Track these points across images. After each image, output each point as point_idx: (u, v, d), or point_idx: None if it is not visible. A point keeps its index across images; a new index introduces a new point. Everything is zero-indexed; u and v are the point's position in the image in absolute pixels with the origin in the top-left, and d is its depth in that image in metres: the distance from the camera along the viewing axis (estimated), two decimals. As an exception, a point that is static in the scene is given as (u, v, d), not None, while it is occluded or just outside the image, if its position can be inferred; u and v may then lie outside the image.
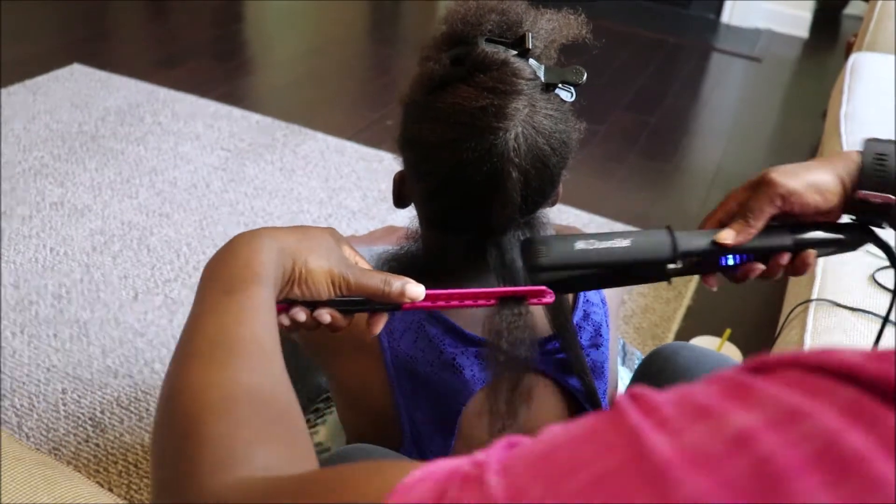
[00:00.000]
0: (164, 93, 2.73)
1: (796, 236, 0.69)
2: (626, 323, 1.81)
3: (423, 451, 0.75)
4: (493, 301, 0.67)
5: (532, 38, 0.66)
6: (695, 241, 0.68)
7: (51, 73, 2.77)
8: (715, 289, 0.71)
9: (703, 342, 1.64)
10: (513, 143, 0.65)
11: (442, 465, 0.35)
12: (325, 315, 0.62)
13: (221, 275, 0.55)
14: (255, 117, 2.63)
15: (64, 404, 1.49)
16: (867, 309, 1.21)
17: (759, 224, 0.67)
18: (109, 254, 1.90)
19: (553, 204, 0.75)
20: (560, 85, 0.68)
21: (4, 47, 2.92)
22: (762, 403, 0.29)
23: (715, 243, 0.67)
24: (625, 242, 0.66)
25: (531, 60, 0.67)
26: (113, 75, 2.81)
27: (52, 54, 2.92)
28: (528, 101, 0.66)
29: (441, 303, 0.65)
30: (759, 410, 0.28)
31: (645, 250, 0.66)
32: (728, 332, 1.62)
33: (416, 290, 0.63)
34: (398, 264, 0.79)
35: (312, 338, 0.79)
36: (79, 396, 1.50)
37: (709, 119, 3.20)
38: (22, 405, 1.48)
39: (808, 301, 1.28)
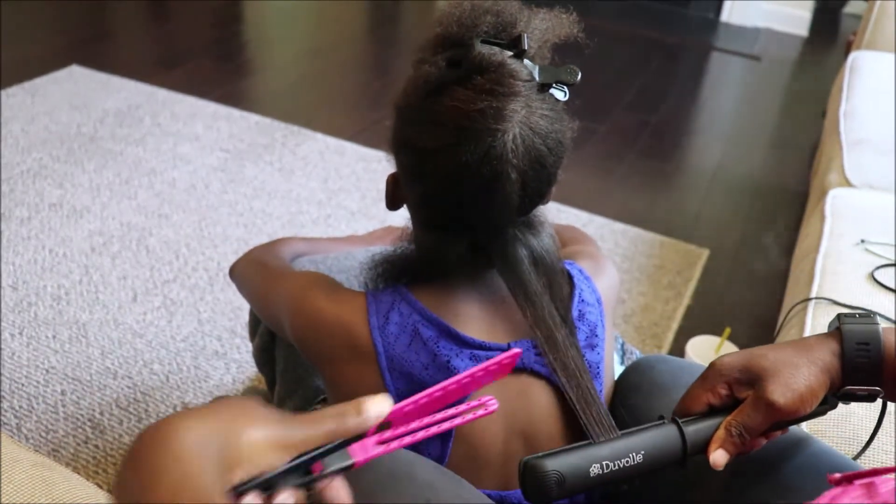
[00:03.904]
0: (163, 94, 2.73)
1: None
2: (625, 322, 1.81)
3: (419, 455, 0.75)
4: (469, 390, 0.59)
5: (527, 38, 0.66)
6: (701, 436, 0.66)
7: (50, 75, 2.77)
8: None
9: (703, 341, 1.64)
10: (511, 145, 0.65)
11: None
12: (289, 498, 0.49)
13: None
14: (254, 118, 2.63)
15: (63, 405, 1.49)
16: (866, 307, 1.21)
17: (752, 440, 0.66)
18: (108, 255, 1.90)
19: (546, 201, 0.75)
20: (554, 85, 0.68)
21: (3, 49, 2.92)
22: None
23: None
24: (638, 458, 0.63)
25: (526, 61, 0.67)
26: (112, 76, 2.81)
27: (50, 56, 2.93)
28: (524, 103, 0.66)
29: (402, 427, 0.56)
30: None
31: (657, 459, 0.64)
32: (728, 330, 1.62)
33: (377, 404, 0.53)
34: (391, 265, 0.79)
35: (308, 344, 0.79)
36: (78, 398, 1.51)
37: (708, 118, 3.19)
38: (21, 406, 1.48)
39: (808, 300, 1.28)
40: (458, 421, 0.58)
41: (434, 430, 0.58)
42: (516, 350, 0.61)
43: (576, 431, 0.76)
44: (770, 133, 3.05)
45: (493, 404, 0.59)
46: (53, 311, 1.71)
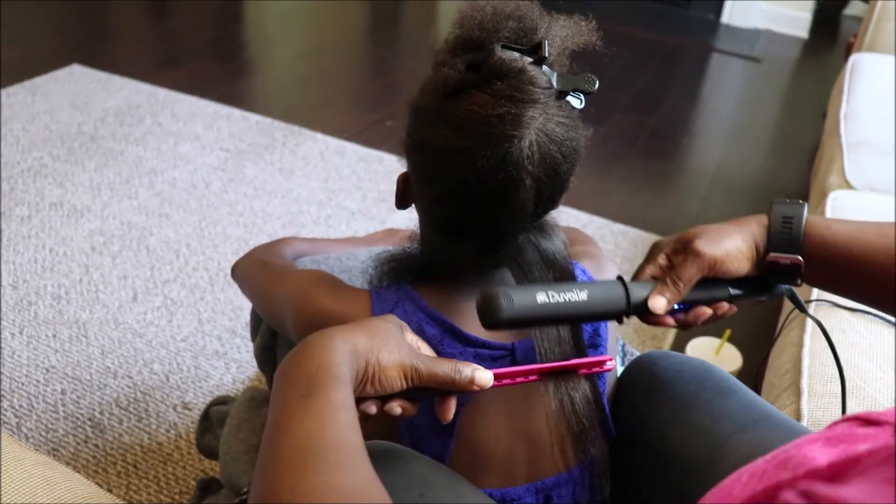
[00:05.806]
0: (163, 93, 2.73)
1: (731, 291, 0.76)
2: (625, 323, 1.81)
3: (421, 453, 0.75)
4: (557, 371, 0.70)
5: (548, 45, 0.66)
6: (643, 292, 0.73)
7: (50, 74, 2.77)
8: (671, 323, 0.76)
9: (703, 343, 1.64)
10: (527, 152, 0.65)
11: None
12: (397, 407, 0.65)
13: (298, 378, 0.57)
14: (254, 118, 2.63)
15: (63, 405, 1.49)
16: (866, 309, 1.21)
17: (686, 290, 0.73)
18: (109, 254, 1.90)
19: (557, 206, 0.75)
20: (571, 92, 0.68)
21: (4, 48, 2.92)
22: None
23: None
24: (582, 295, 0.68)
25: (545, 67, 0.67)
26: (112, 76, 2.81)
27: (51, 55, 2.93)
28: (542, 110, 0.66)
29: (507, 381, 0.67)
30: None
31: (601, 303, 0.70)
32: (728, 332, 1.62)
33: (484, 377, 0.65)
34: (397, 264, 0.79)
35: None
36: (78, 397, 1.50)
37: (708, 119, 3.20)
38: (21, 406, 1.47)
39: (808, 302, 1.28)
40: (573, 366, 0.71)
41: (537, 378, 0.69)
42: (609, 359, 0.72)
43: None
44: (770, 135, 3.05)
45: (612, 364, 0.72)
46: (53, 310, 1.71)
